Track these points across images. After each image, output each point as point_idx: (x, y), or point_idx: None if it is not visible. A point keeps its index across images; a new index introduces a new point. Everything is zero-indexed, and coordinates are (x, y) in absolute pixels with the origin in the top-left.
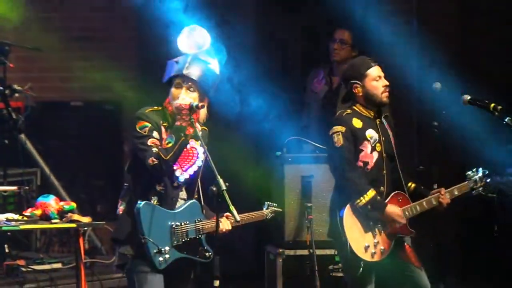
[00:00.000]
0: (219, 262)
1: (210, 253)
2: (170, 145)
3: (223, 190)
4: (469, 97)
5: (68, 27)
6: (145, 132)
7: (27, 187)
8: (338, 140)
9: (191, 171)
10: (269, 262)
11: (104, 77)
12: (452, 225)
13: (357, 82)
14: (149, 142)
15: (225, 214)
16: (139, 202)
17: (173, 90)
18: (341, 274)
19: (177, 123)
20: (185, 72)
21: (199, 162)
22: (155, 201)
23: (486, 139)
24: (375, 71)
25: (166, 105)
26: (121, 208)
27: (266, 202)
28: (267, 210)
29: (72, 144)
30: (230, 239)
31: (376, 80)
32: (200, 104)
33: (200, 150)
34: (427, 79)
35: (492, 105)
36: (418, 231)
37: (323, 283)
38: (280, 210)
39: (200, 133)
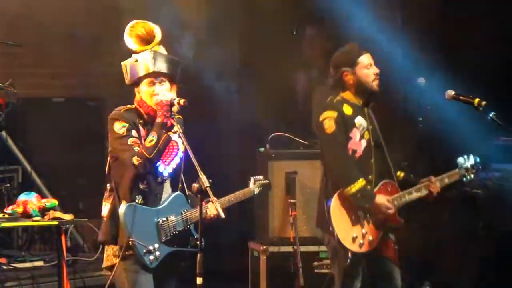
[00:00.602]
0: (202, 259)
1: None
2: (153, 142)
3: (207, 186)
4: (453, 92)
5: (49, 21)
6: (123, 132)
7: (8, 185)
8: (330, 126)
9: (173, 164)
10: (253, 259)
11: (86, 73)
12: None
13: (348, 69)
14: (130, 141)
15: (210, 199)
16: (121, 205)
17: (146, 89)
18: (326, 271)
19: (158, 119)
20: (155, 69)
21: (180, 154)
22: (140, 200)
23: (471, 133)
24: (366, 58)
25: (139, 104)
26: (105, 211)
27: (251, 177)
28: (254, 185)
29: (54, 141)
30: (214, 235)
31: (367, 68)
32: (182, 100)
33: (179, 142)
34: (412, 74)
35: (476, 100)
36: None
37: (308, 280)
38: (268, 182)
39: (180, 128)
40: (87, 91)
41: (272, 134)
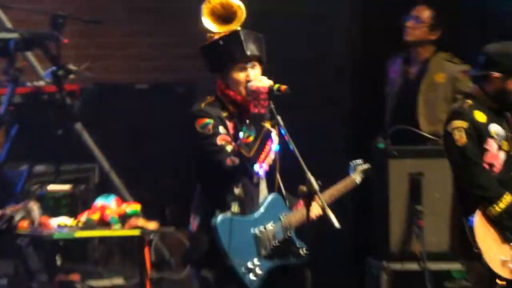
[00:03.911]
0: (310, 276)
1: (304, 248)
2: (251, 138)
3: (315, 190)
4: None
5: None
6: (209, 130)
7: (83, 186)
8: (460, 137)
9: (269, 160)
10: (370, 277)
11: (175, 55)
12: None
13: (503, 76)
14: (219, 140)
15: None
16: (214, 217)
17: (236, 75)
18: None
19: (254, 110)
20: (249, 52)
21: (275, 148)
22: (236, 208)
23: None
24: None
25: (223, 93)
26: (194, 224)
27: (350, 163)
28: (355, 174)
29: (137, 135)
30: (323, 248)
31: None
32: (283, 86)
33: (273, 133)
34: None
35: None
36: None
37: None
38: (370, 167)
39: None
40: (175, 75)
41: (393, 127)
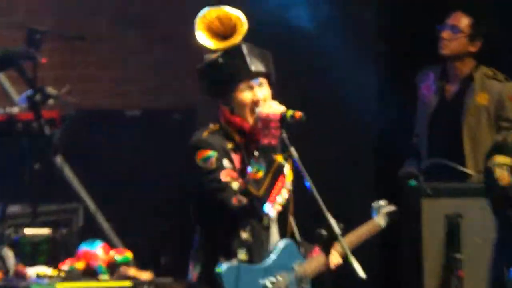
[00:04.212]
0: None
1: None
2: (260, 173)
3: (337, 234)
4: None
5: (120, 8)
6: (212, 164)
7: (65, 230)
8: (503, 176)
9: (280, 199)
10: None
11: (171, 76)
12: None
13: None
14: (224, 176)
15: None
16: (218, 266)
17: (241, 96)
18: None
19: (264, 141)
20: (253, 68)
21: (288, 185)
22: (243, 255)
23: None
24: None
25: (228, 120)
26: (194, 273)
27: (372, 205)
28: (379, 216)
29: (127, 169)
30: None
31: None
32: (298, 113)
33: (286, 168)
34: None
35: None
36: None
37: None
38: (395, 208)
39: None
40: (171, 100)
41: (428, 161)
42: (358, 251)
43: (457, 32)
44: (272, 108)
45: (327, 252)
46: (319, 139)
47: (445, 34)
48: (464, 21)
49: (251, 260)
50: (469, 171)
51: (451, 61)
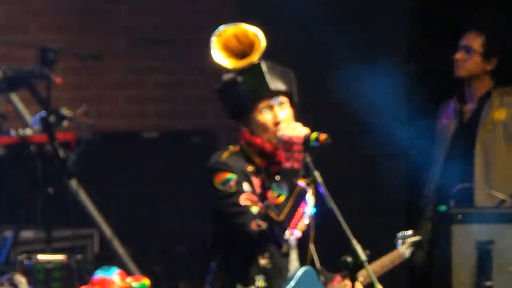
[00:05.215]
0: None
1: None
2: (281, 198)
3: (363, 262)
4: None
5: (138, 27)
6: (231, 187)
7: (79, 256)
8: None
9: (302, 225)
10: None
11: (190, 97)
12: None
13: None
14: (243, 200)
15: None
16: None
17: (261, 116)
18: None
19: (287, 164)
20: (273, 87)
21: (309, 211)
22: (261, 282)
23: None
24: None
25: (249, 140)
26: None
27: (397, 235)
28: (403, 247)
29: (144, 193)
30: None
31: None
32: (323, 136)
33: (308, 192)
34: None
35: None
36: None
37: None
38: (419, 238)
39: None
40: (190, 121)
41: (459, 185)
42: (385, 283)
43: (471, 52)
44: (296, 130)
45: (353, 280)
46: (347, 163)
47: (459, 55)
48: (477, 41)
49: (269, 287)
50: (502, 195)
51: (468, 81)
